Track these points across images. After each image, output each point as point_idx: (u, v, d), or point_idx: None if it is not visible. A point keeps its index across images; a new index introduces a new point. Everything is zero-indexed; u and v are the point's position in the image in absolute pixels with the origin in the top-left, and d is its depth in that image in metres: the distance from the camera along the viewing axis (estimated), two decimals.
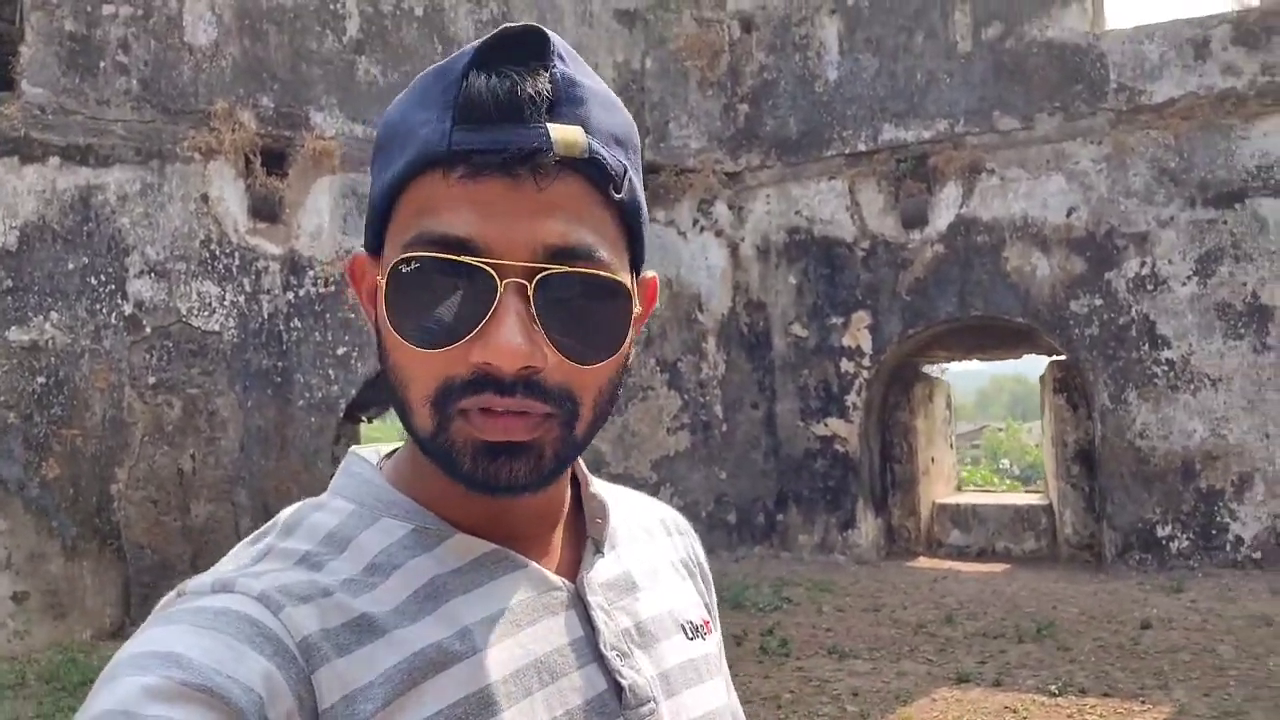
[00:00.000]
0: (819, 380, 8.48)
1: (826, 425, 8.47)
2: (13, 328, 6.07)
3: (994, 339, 8.81)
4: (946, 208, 8.06)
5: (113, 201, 6.40)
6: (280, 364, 6.90)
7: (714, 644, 0.73)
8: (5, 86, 6.33)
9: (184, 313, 6.59)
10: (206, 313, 6.67)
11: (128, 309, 6.40)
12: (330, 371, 7.08)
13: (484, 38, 0.57)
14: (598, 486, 0.72)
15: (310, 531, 0.62)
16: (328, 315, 7.11)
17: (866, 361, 8.33)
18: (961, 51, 8.09)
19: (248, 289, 6.83)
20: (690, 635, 0.70)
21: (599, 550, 0.68)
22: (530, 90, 0.55)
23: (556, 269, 0.55)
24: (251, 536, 0.63)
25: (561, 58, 0.58)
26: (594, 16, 8.58)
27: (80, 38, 6.42)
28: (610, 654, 0.63)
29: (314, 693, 0.54)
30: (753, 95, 8.81)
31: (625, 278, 0.59)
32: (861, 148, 8.37)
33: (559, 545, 0.67)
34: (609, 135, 0.59)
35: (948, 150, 8.03)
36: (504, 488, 0.57)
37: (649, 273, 0.67)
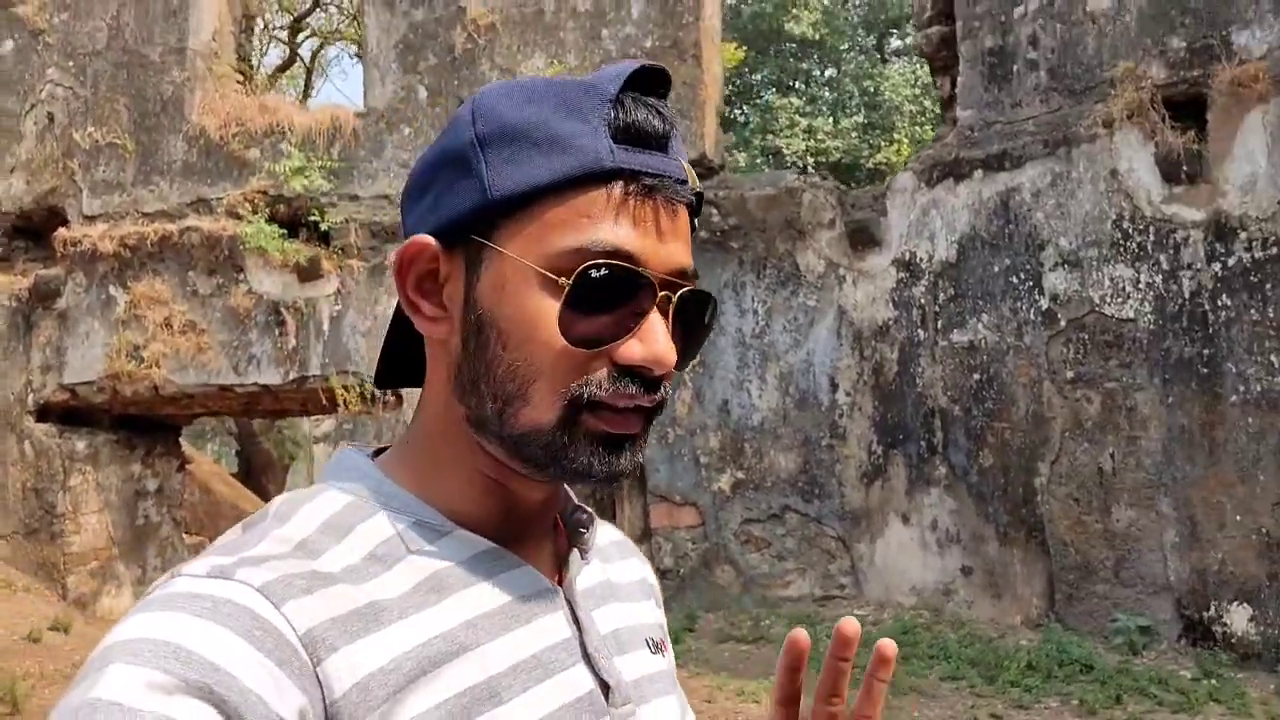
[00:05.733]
0: None
1: None
2: (954, 331, 6.72)
3: None
4: None
5: (1027, 200, 6.43)
6: (1206, 351, 5.67)
7: (669, 663, 0.73)
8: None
9: (1096, 301, 6.10)
10: (1120, 299, 6.01)
11: (1044, 304, 6.31)
12: (1273, 359, 5.43)
13: (625, 65, 0.61)
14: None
15: (306, 519, 0.60)
16: (1267, 286, 5.48)
17: None
18: None
19: (1164, 266, 5.86)
20: (652, 650, 0.71)
21: (584, 557, 0.70)
22: (670, 125, 0.61)
23: (690, 286, 0.62)
24: (242, 523, 0.62)
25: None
26: None
27: (997, 50, 6.68)
28: (596, 654, 0.65)
29: (321, 685, 0.53)
30: None
31: None
32: None
33: (547, 547, 0.69)
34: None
35: None
36: (619, 475, 0.61)
37: None
